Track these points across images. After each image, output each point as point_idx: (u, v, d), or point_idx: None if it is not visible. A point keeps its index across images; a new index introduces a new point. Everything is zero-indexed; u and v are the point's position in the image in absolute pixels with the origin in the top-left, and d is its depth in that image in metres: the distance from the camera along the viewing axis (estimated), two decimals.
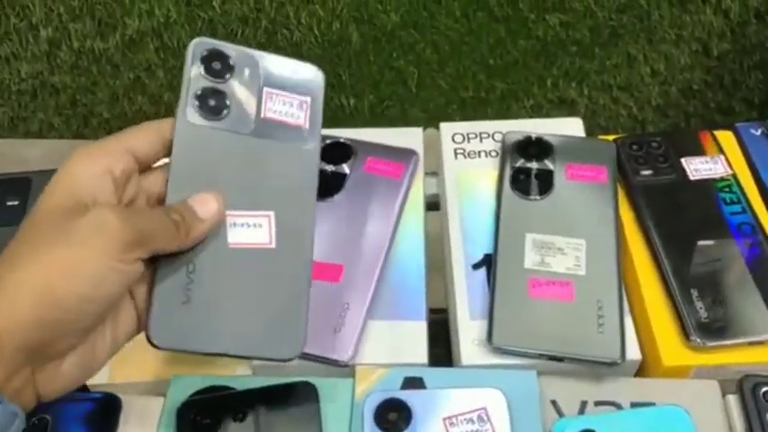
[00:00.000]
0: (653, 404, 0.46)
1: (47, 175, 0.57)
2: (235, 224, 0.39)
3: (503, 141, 0.57)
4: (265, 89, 0.41)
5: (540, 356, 0.47)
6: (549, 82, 0.98)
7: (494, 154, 0.57)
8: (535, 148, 0.56)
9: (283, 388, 0.45)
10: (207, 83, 0.40)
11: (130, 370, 0.48)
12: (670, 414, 0.45)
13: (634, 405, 0.46)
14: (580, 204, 0.53)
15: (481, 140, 0.58)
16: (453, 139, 0.58)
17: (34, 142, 0.71)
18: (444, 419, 0.42)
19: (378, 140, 0.57)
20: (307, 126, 0.42)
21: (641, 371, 0.49)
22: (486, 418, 0.43)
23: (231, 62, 0.41)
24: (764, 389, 0.45)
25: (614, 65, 0.95)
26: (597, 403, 0.46)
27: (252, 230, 0.40)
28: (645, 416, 0.45)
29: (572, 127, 0.58)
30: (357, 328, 0.48)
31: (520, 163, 0.55)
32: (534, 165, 0.55)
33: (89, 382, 0.48)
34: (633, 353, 0.47)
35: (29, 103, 1.03)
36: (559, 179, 0.54)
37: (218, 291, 0.38)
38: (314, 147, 0.42)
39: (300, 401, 0.44)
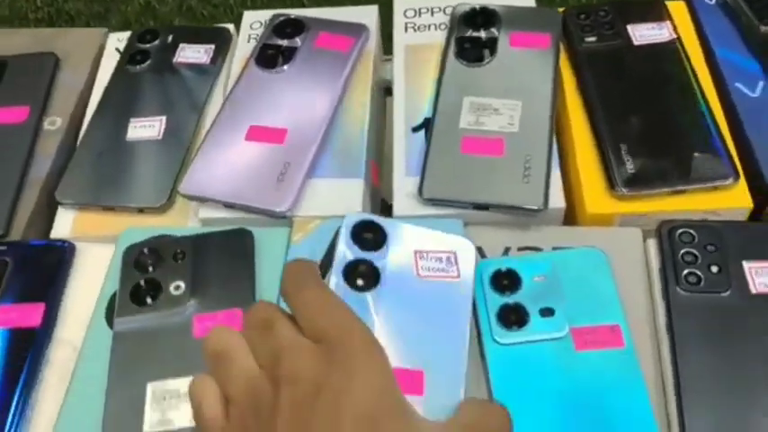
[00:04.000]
0: None
1: (21, 59, 0.61)
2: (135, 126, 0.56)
3: (452, 13, 0.58)
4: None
5: (467, 206, 0.49)
6: None
7: (443, 27, 0.59)
8: (482, 17, 0.57)
9: (221, 234, 0.48)
10: None
11: (92, 225, 0.52)
12: (587, 255, 0.46)
13: (556, 249, 0.48)
14: (520, 69, 0.54)
15: (432, 14, 0.60)
16: (405, 14, 0.60)
17: (16, 31, 0.75)
18: (416, 252, 0.43)
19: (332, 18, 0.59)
20: (208, 63, 0.60)
21: (571, 223, 0.51)
22: (453, 262, 0.43)
23: None
24: (680, 231, 0.46)
25: None
26: (521, 249, 0.48)
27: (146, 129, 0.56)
28: (562, 256, 0.47)
29: None
30: (296, 183, 0.50)
31: (467, 33, 0.57)
32: (480, 34, 0.57)
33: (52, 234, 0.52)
34: (557, 201, 0.49)
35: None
36: (503, 46, 0.56)
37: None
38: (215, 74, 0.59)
39: (236, 245, 0.47)
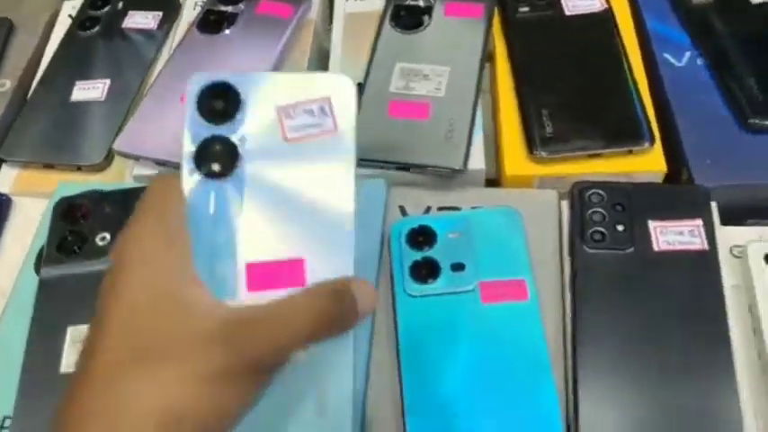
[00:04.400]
0: None
1: None
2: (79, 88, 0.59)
3: None
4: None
5: (390, 166, 0.50)
6: None
7: None
8: None
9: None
10: None
11: (33, 182, 0.54)
12: (501, 214, 0.48)
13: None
14: (452, 37, 0.56)
15: None
16: None
17: None
18: (279, 109, 0.33)
19: None
20: (155, 28, 0.62)
21: (498, 187, 0.52)
22: (328, 112, 0.34)
23: None
24: (590, 192, 0.48)
25: None
26: (441, 208, 0.50)
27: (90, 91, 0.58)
28: (477, 215, 0.48)
29: None
30: None
31: (404, 1, 0.58)
32: (418, 2, 0.58)
33: None
34: (477, 163, 0.50)
35: None
36: (438, 15, 0.57)
37: None
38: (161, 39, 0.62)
39: None
